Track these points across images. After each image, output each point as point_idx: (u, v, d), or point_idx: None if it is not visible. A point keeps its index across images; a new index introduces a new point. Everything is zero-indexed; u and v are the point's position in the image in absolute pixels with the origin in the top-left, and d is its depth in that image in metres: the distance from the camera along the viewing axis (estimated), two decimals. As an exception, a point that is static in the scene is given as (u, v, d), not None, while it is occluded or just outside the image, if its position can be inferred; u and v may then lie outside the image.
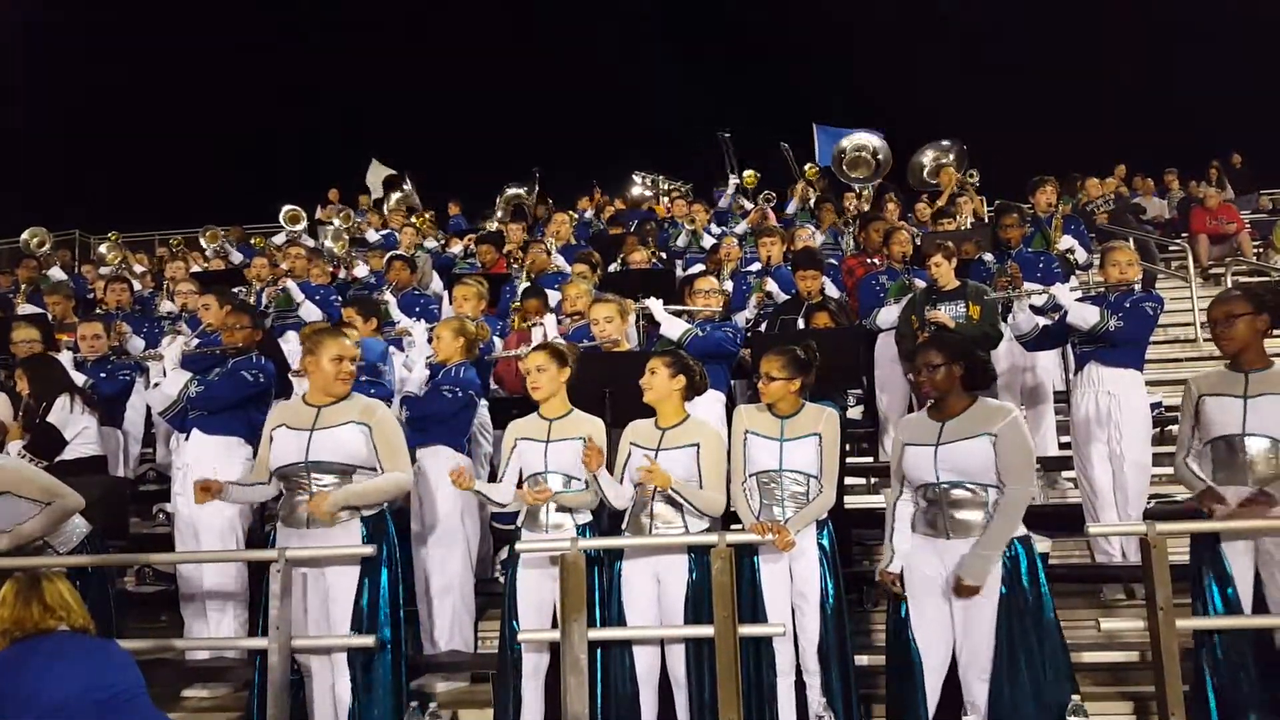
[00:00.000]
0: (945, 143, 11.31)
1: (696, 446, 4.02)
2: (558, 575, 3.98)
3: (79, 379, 5.82)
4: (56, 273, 10.94)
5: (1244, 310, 3.85)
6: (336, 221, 13.33)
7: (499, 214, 12.64)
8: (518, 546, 4.05)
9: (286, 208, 12.95)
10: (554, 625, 4.02)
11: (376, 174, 15.54)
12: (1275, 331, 4.12)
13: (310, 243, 12.11)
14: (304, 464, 3.96)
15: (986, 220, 9.36)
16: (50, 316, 7.56)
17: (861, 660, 4.21)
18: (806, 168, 12.05)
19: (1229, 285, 9.53)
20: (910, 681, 3.69)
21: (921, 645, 3.69)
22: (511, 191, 12.77)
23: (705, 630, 3.77)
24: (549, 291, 7.01)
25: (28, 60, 19.77)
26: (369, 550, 3.93)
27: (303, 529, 3.98)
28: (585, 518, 4.14)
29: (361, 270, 9.44)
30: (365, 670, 3.91)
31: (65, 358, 5.96)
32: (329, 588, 3.96)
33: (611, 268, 8.21)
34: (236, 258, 11.56)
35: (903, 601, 3.77)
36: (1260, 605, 3.73)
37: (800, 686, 3.97)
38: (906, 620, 3.74)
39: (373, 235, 12.19)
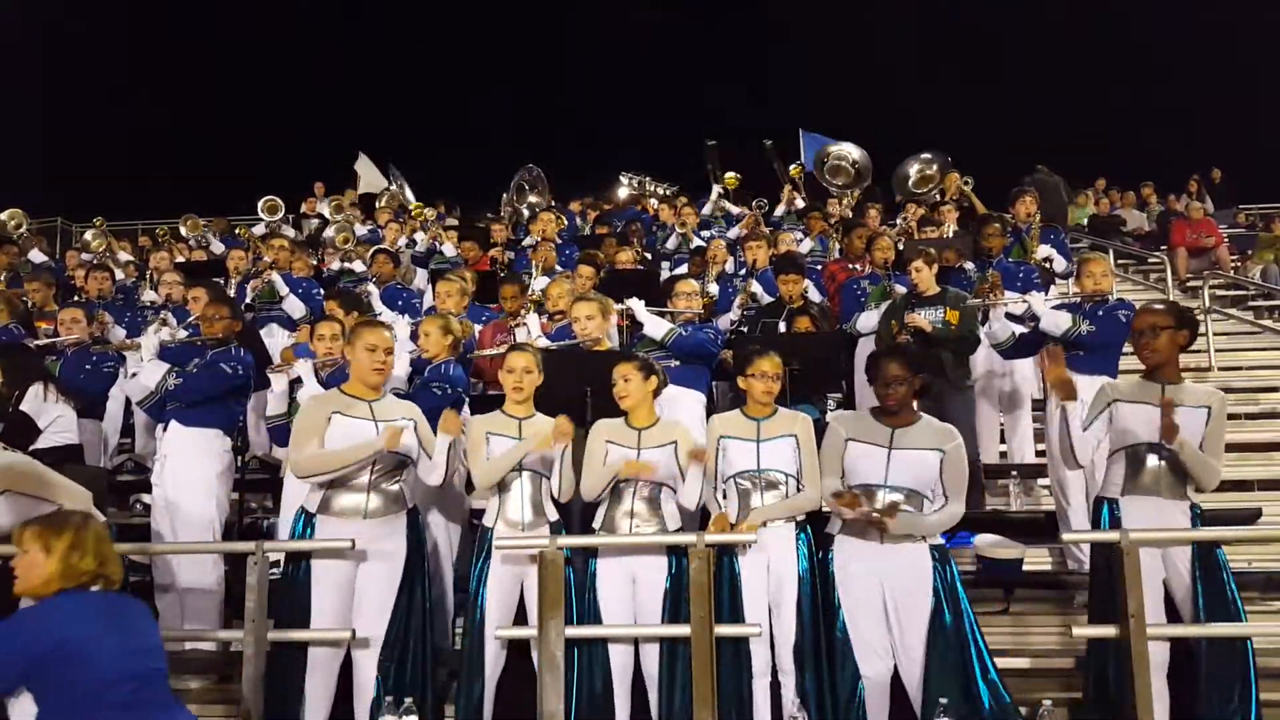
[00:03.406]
0: (928, 155, 11.39)
1: (674, 445, 4.09)
2: (526, 574, 4.03)
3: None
4: (37, 255, 10.84)
5: (1168, 324, 3.91)
6: (332, 214, 13.29)
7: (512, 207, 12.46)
8: (495, 543, 4.05)
9: (264, 198, 12.90)
10: (515, 623, 4.08)
11: (367, 170, 15.45)
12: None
13: (292, 233, 12.07)
14: (374, 454, 3.97)
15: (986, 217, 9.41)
16: (30, 304, 7.49)
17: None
18: (791, 167, 12.08)
19: (1206, 298, 9.62)
20: (849, 667, 3.79)
21: (855, 638, 3.78)
22: (534, 198, 12.54)
23: (681, 630, 3.79)
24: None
25: (20, 54, 19.63)
26: (345, 544, 3.91)
27: (357, 520, 3.97)
28: (557, 515, 4.18)
29: (359, 265, 9.44)
30: (399, 663, 3.94)
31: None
32: (364, 580, 3.97)
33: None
34: (218, 248, 11.50)
35: (834, 593, 3.84)
36: (1173, 615, 3.83)
37: (775, 687, 4.00)
38: (843, 626, 3.81)
39: (360, 230, 12.17)
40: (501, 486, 4.17)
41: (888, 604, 3.79)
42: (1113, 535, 3.82)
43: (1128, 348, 5.64)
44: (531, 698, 3.85)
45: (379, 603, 3.96)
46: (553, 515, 4.19)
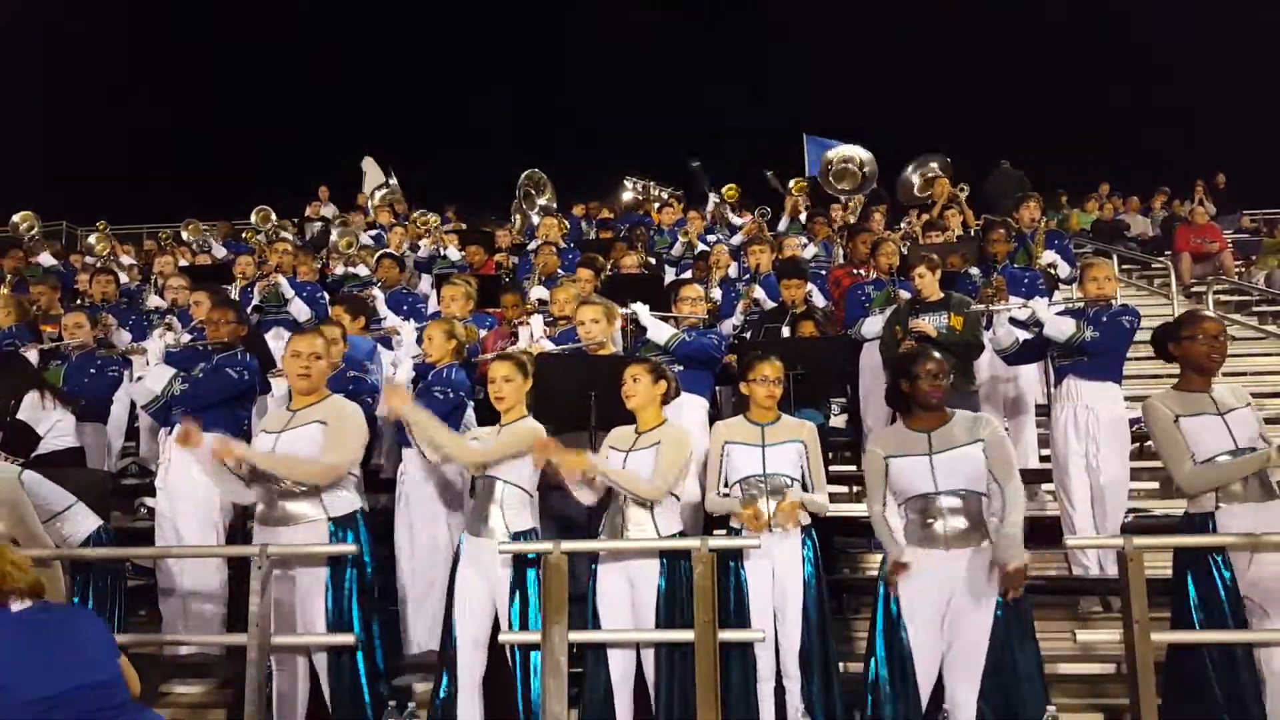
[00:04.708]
0: (931, 158, 11.37)
1: (657, 445, 4.07)
2: (496, 574, 4.01)
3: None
4: (47, 259, 10.84)
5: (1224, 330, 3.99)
6: (333, 220, 13.30)
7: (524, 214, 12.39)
8: (500, 548, 4.03)
9: (257, 208, 12.93)
10: (495, 626, 4.05)
11: (371, 172, 15.47)
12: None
13: (290, 237, 12.08)
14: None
15: (975, 232, 9.42)
16: (35, 307, 7.48)
17: (842, 667, 4.24)
18: (793, 182, 12.05)
19: (1210, 303, 9.62)
20: (904, 681, 3.63)
21: (915, 650, 3.63)
22: (543, 201, 12.44)
23: (686, 635, 3.78)
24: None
25: (20, 54, 19.64)
26: (351, 548, 3.95)
27: (273, 527, 4.01)
28: (524, 524, 4.11)
29: (363, 270, 9.44)
30: (337, 670, 3.92)
31: (33, 354, 5.93)
32: (300, 587, 3.98)
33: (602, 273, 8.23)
34: (219, 252, 11.51)
35: (894, 602, 3.68)
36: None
37: (780, 692, 4.00)
38: (900, 622, 3.67)
39: (363, 237, 12.16)
40: (472, 491, 4.18)
41: (945, 615, 3.62)
42: (1117, 541, 3.82)
43: (1132, 353, 5.68)
44: (508, 700, 3.90)
45: (309, 608, 3.95)
46: (520, 525, 4.08)
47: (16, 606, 2.70)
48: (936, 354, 3.82)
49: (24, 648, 2.60)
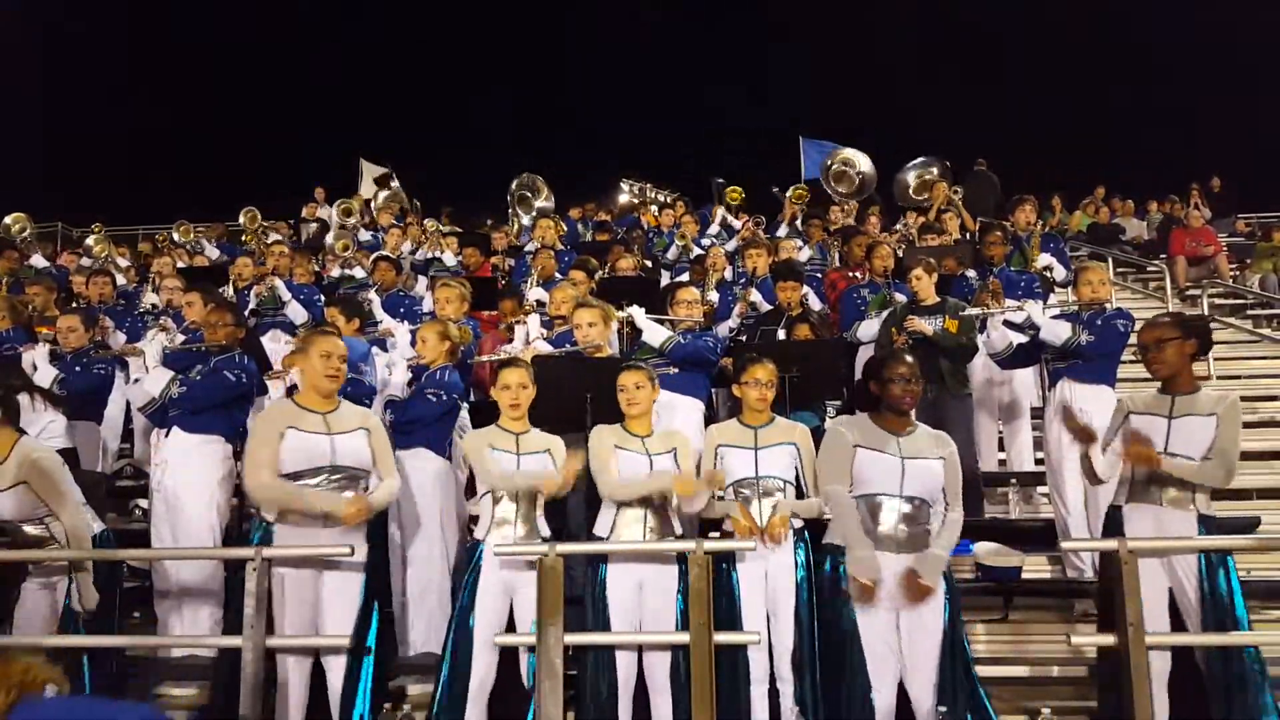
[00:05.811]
0: (931, 162, 11.35)
1: (674, 451, 4.14)
2: (516, 585, 4.02)
3: (48, 374, 5.75)
4: (40, 260, 10.83)
5: (1173, 335, 3.98)
6: (335, 218, 13.31)
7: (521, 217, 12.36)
8: (495, 549, 4.04)
9: (244, 209, 12.91)
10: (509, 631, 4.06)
11: (369, 174, 15.45)
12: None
13: (277, 237, 12.09)
14: (329, 467, 3.95)
15: (971, 236, 9.43)
16: (30, 308, 7.47)
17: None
18: (792, 189, 12.03)
19: (1205, 306, 9.63)
20: (858, 681, 3.67)
21: (869, 653, 3.67)
22: (540, 203, 12.36)
23: (681, 637, 3.79)
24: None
25: (20, 54, 19.64)
26: (345, 550, 3.91)
27: (312, 528, 3.92)
28: (547, 529, 4.17)
29: (359, 272, 9.45)
30: (350, 672, 3.92)
31: (42, 351, 5.91)
32: (329, 588, 3.94)
33: (598, 275, 8.24)
34: (212, 254, 11.51)
35: (848, 608, 3.72)
36: (1176, 622, 3.87)
37: (774, 695, 4.00)
38: (855, 630, 3.70)
39: (364, 235, 12.16)
40: (494, 500, 4.16)
41: (899, 616, 3.69)
42: (1111, 544, 3.83)
43: (1128, 355, 5.69)
44: (516, 706, 3.88)
45: (342, 610, 3.94)
46: (545, 531, 4.17)
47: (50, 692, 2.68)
48: (909, 359, 3.87)
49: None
